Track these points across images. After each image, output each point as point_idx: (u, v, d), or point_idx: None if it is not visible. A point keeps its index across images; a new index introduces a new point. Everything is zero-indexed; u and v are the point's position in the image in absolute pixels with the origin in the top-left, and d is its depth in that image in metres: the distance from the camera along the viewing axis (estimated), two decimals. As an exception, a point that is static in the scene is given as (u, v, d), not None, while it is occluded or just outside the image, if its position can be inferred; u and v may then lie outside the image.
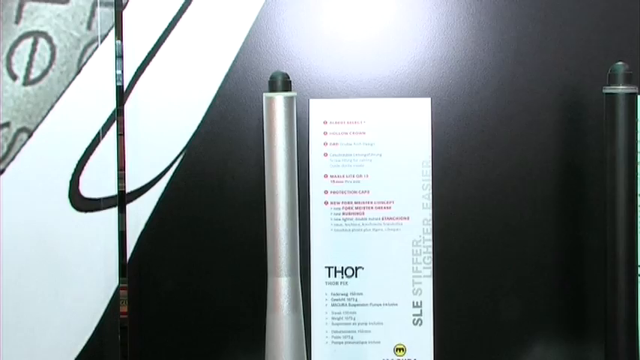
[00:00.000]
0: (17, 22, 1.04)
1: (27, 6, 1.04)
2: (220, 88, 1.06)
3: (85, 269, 1.05)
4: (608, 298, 0.96)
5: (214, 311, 1.06)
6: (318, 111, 1.06)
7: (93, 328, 1.05)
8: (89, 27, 1.05)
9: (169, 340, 1.06)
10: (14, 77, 1.04)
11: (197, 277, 1.06)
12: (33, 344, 1.04)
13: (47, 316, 1.04)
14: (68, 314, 1.04)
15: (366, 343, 1.06)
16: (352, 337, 1.06)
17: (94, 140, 1.05)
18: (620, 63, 0.95)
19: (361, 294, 1.06)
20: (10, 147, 1.05)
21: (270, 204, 0.93)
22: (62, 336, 1.04)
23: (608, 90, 0.96)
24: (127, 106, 1.06)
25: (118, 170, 1.06)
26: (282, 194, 0.93)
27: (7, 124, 1.05)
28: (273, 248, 0.93)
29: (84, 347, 1.04)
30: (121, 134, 1.06)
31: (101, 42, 1.05)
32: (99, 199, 1.05)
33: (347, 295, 1.06)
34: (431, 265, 1.06)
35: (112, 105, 1.05)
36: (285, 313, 0.92)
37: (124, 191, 1.05)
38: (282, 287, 0.93)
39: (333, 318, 1.06)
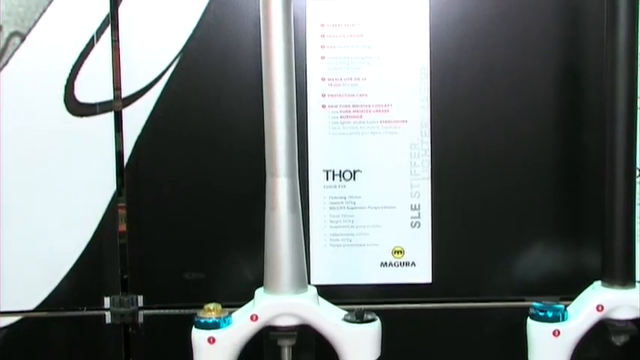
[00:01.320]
0: None
1: None
2: (215, -11, 1.04)
3: (82, 173, 1.04)
4: (607, 199, 0.97)
5: (213, 213, 1.06)
6: (316, 13, 1.05)
7: (92, 233, 1.05)
8: None
9: (168, 247, 1.06)
10: (5, -20, 1.03)
11: (195, 179, 1.06)
12: (32, 248, 1.04)
13: (45, 219, 1.04)
14: (66, 218, 1.04)
15: (364, 245, 1.07)
16: (350, 240, 1.07)
17: (88, 45, 1.04)
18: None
19: (359, 197, 1.06)
20: (3, 52, 1.04)
21: (267, 104, 0.92)
22: (61, 240, 1.04)
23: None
24: (121, 10, 1.04)
25: (113, 77, 1.05)
26: (279, 94, 0.92)
27: (-1, 28, 1.03)
28: (271, 148, 0.92)
29: (83, 251, 1.05)
30: (115, 40, 1.05)
31: (93, -57, 1.03)
32: (94, 104, 1.04)
33: (345, 198, 1.06)
34: (429, 167, 1.06)
35: (106, 9, 1.04)
36: (284, 213, 0.92)
37: (120, 112, 1.04)
38: (280, 187, 0.92)
39: (331, 221, 1.06)
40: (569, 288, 1.02)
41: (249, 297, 0.96)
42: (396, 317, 1.04)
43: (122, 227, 1.06)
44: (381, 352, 0.95)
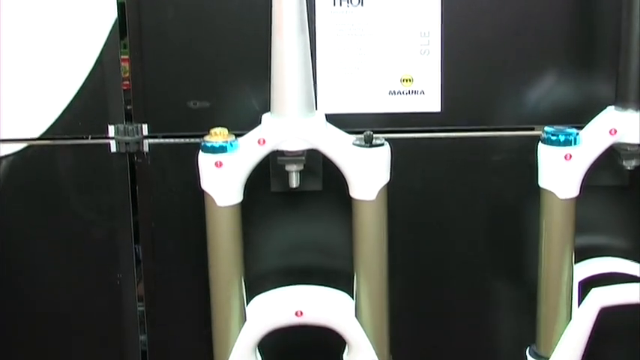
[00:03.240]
0: None
1: None
2: None
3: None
4: (623, 19, 0.94)
5: (218, 39, 1.03)
6: None
7: (93, 61, 1.02)
8: None
9: (172, 75, 1.04)
10: None
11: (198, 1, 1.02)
12: (33, 77, 1.02)
13: (47, 47, 1.01)
14: (68, 46, 1.02)
15: (372, 73, 1.04)
16: (358, 68, 1.04)
17: None
18: None
19: (367, 24, 1.03)
20: None
21: None
22: (62, 68, 1.02)
23: None
24: None
25: None
26: None
27: None
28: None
29: (85, 79, 1.02)
30: None
31: None
32: None
33: (353, 24, 1.03)
34: (439, -8, 1.03)
35: None
36: (291, 33, 0.89)
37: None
38: (287, 6, 0.89)
39: (338, 49, 1.04)
40: (581, 117, 1.01)
41: (255, 126, 0.94)
42: (405, 146, 1.03)
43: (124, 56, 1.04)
44: (390, 179, 0.94)
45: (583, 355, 1.00)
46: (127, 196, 1.05)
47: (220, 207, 0.93)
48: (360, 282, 0.96)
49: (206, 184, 0.93)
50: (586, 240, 1.06)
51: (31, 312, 1.08)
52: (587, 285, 1.01)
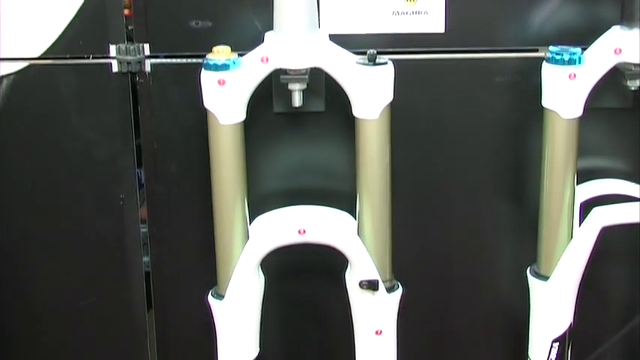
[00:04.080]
0: None
1: None
2: None
3: None
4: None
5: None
6: None
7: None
8: None
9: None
10: None
11: None
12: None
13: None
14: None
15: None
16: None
17: None
18: None
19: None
20: None
21: None
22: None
23: None
24: None
25: None
26: None
27: None
28: None
29: None
30: None
31: None
32: None
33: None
34: None
35: None
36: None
37: None
38: None
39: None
40: (585, 38, 1.00)
41: (258, 46, 0.94)
42: (408, 67, 1.02)
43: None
44: (393, 100, 0.94)
45: (583, 275, 1.01)
46: (129, 117, 1.04)
47: (223, 125, 0.93)
48: (363, 201, 0.96)
49: (209, 102, 0.93)
50: (588, 162, 1.06)
51: (31, 232, 1.08)
52: (589, 206, 1.01)
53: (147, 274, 1.11)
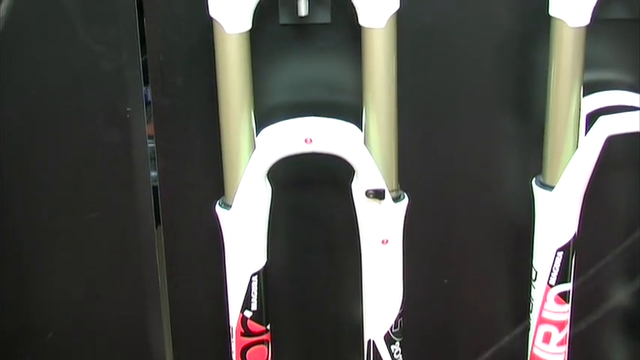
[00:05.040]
0: None
1: None
2: None
3: None
4: None
5: None
6: None
7: None
8: None
9: None
10: None
11: None
12: None
13: None
14: None
15: None
16: None
17: None
18: None
19: None
20: None
21: None
22: None
23: None
24: None
25: None
26: None
27: None
28: None
29: None
30: None
31: None
32: None
33: None
34: None
35: None
36: None
37: None
38: None
39: None
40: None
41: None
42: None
43: None
44: (399, 10, 0.94)
45: (588, 186, 1.01)
46: (134, 28, 1.04)
47: (229, 34, 0.92)
48: (369, 112, 0.96)
49: (214, 10, 0.92)
50: (595, 75, 1.05)
51: (37, 146, 1.08)
52: (594, 118, 1.02)
53: (155, 188, 1.11)
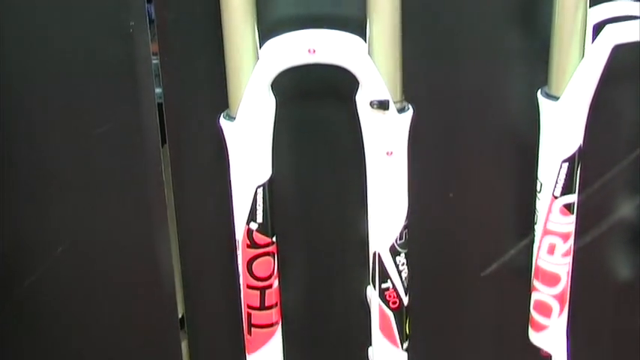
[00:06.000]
0: None
1: None
2: None
3: None
4: None
5: None
6: None
7: None
8: None
9: None
10: None
11: None
12: None
13: None
14: None
15: None
16: None
17: None
18: None
19: None
20: None
21: None
22: None
23: None
24: None
25: None
26: None
27: None
28: None
29: None
30: None
31: None
32: None
33: None
34: None
35: None
36: None
37: None
38: None
39: None
40: None
41: None
42: None
43: None
44: None
45: (594, 97, 1.01)
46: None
47: (232, -56, 0.92)
48: (373, 23, 0.95)
49: None
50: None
51: (39, 62, 1.08)
52: (601, 29, 1.00)
53: (159, 105, 1.11)
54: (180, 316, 1.19)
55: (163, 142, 1.13)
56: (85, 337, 1.18)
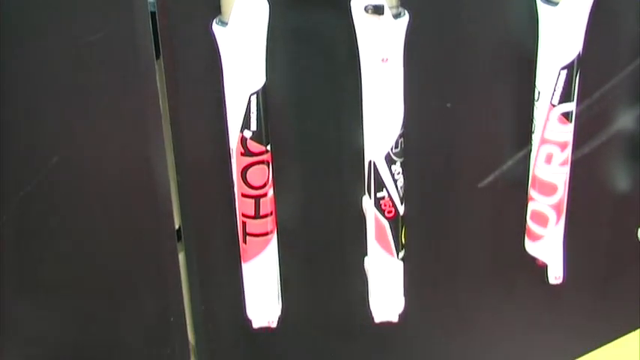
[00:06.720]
0: None
1: None
2: None
3: None
4: None
5: None
6: None
7: None
8: None
9: None
10: None
11: None
12: None
13: None
14: None
15: None
16: None
17: None
18: None
19: None
20: None
21: None
22: None
23: None
24: None
25: None
26: None
27: None
28: None
29: None
30: None
31: None
32: None
33: None
34: None
35: None
36: None
37: None
38: None
39: None
40: None
41: None
42: None
43: None
44: None
45: (594, 4, 0.99)
46: None
47: None
48: None
49: None
50: None
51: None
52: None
53: (152, 14, 1.09)
54: (176, 227, 1.19)
55: (157, 54, 1.11)
56: (79, 249, 1.18)
